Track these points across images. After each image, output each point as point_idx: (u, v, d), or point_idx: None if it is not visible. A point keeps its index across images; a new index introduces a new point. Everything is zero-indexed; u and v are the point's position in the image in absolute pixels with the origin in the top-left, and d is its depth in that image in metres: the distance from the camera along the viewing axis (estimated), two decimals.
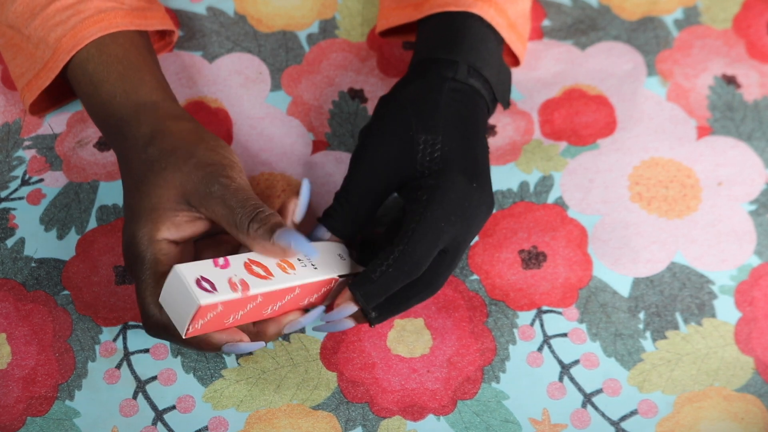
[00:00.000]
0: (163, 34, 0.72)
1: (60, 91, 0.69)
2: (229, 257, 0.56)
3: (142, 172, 0.58)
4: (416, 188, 0.60)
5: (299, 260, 0.58)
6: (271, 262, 0.57)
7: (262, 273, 0.56)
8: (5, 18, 0.64)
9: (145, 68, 0.63)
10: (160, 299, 0.55)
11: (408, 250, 0.57)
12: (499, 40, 0.67)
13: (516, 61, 0.72)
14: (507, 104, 0.67)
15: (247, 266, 0.56)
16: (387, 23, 0.70)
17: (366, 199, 0.61)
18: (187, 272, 0.53)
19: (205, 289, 0.53)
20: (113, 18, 0.63)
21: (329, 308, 0.61)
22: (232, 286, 0.54)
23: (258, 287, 0.55)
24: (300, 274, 0.57)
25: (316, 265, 0.59)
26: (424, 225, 0.58)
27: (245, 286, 0.54)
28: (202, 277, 0.53)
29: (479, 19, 0.65)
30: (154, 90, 0.62)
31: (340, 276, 0.59)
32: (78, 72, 0.63)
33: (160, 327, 0.56)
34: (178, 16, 0.75)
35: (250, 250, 0.58)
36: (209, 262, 0.55)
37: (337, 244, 0.61)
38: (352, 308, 0.58)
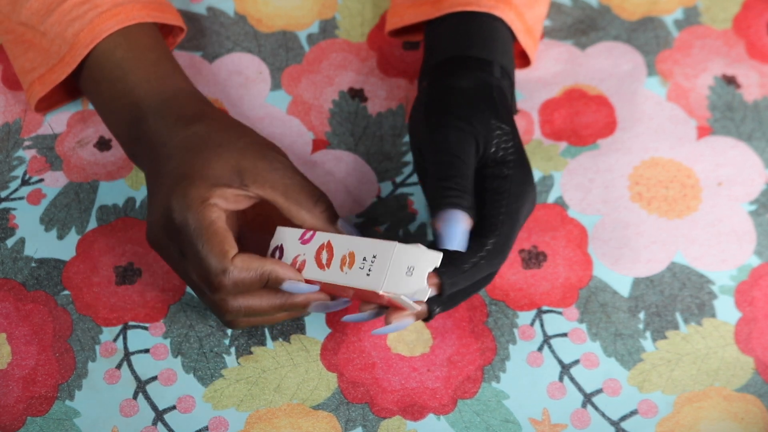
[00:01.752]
0: (166, 34, 0.72)
1: (66, 90, 0.69)
2: (317, 234, 0.58)
3: (193, 144, 0.59)
4: (489, 176, 0.59)
5: (363, 260, 0.56)
6: (340, 252, 0.57)
7: (323, 261, 0.57)
8: (17, 16, 0.64)
9: (173, 59, 0.65)
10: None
11: (500, 241, 0.57)
12: (513, 42, 0.67)
13: (522, 64, 0.72)
14: (515, 110, 0.67)
15: (320, 249, 0.57)
16: (401, 21, 0.69)
17: (470, 179, 0.58)
18: (277, 236, 0.60)
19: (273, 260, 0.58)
20: (130, 11, 0.64)
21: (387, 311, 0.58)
22: (293, 264, 0.58)
23: (308, 274, 0.57)
24: (349, 276, 0.56)
25: (371, 271, 0.56)
26: (511, 217, 0.58)
27: (302, 268, 0.58)
28: (280, 246, 0.59)
29: (500, 21, 0.65)
30: (185, 80, 0.64)
31: (385, 292, 0.55)
32: (102, 60, 0.63)
33: (235, 288, 0.56)
34: None
35: (297, 227, 0.59)
36: (298, 233, 0.59)
37: (425, 253, 0.55)
38: (410, 321, 0.57)
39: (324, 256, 0.57)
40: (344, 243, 0.57)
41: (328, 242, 0.57)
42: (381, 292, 0.54)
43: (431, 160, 0.59)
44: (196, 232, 0.56)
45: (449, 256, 0.56)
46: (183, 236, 0.57)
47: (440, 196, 0.57)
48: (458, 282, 0.56)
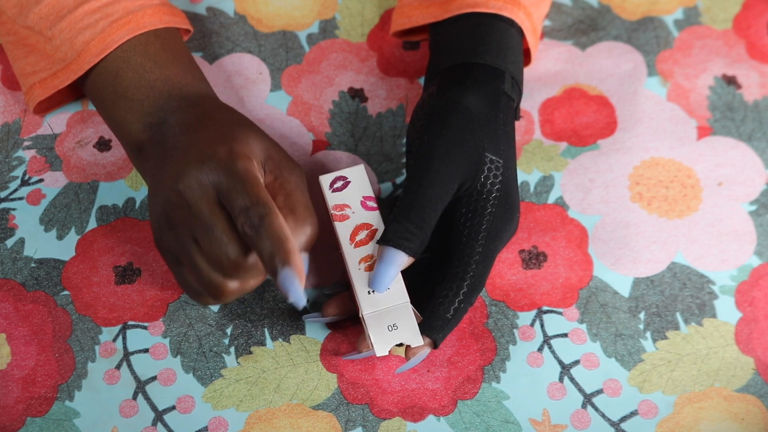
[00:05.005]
0: None
1: (66, 94, 0.69)
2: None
3: (236, 119, 0.59)
4: (470, 209, 0.59)
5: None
6: (354, 220, 0.59)
7: (346, 213, 0.60)
8: (24, 19, 0.64)
9: (190, 58, 0.65)
10: None
11: (475, 283, 0.58)
12: (522, 44, 0.66)
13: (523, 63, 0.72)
14: (519, 116, 0.66)
15: (361, 227, 0.59)
16: (408, 22, 0.68)
17: (436, 216, 0.58)
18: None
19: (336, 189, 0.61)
20: (141, 18, 0.63)
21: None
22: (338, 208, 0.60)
23: (340, 230, 0.59)
24: (360, 275, 0.58)
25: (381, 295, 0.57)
26: (486, 259, 0.59)
27: (343, 219, 0.60)
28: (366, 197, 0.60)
29: (509, 23, 0.64)
30: (203, 79, 0.65)
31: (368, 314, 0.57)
32: (130, 54, 0.62)
33: (272, 236, 0.54)
34: None
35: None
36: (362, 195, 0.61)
37: (403, 309, 0.57)
38: (427, 351, 0.59)
39: (361, 234, 0.59)
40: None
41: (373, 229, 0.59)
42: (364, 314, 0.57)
43: (408, 175, 0.59)
44: (239, 179, 0.54)
45: (430, 306, 0.58)
46: (210, 197, 0.55)
47: (391, 229, 0.57)
48: (447, 331, 0.58)
